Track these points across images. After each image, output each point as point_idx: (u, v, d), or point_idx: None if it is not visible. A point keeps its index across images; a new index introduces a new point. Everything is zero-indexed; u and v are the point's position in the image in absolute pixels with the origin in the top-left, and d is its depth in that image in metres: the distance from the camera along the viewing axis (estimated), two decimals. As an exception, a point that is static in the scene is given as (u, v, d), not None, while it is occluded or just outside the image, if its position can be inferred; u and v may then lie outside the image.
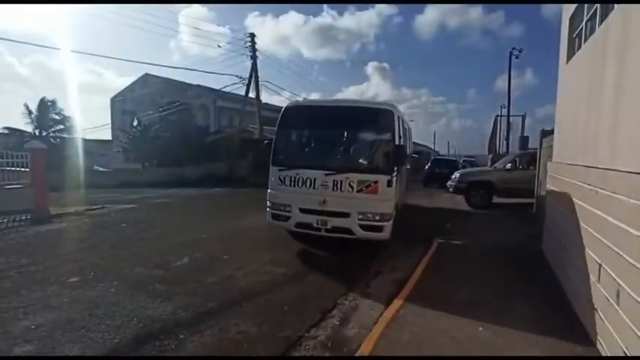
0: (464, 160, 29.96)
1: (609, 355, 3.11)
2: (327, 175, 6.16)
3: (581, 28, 5.38)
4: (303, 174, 6.34)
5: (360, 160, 6.44)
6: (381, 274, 5.71)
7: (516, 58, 26.80)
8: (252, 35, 23.04)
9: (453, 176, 13.38)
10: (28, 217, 9.44)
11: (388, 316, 4.00)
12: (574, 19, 5.82)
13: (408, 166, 10.89)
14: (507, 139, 27.17)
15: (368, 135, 6.61)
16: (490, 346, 3.42)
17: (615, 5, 3.77)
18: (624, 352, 2.80)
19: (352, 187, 6.04)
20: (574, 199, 4.68)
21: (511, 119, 27.66)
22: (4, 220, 8.98)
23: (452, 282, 5.15)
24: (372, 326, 3.82)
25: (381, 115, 6.43)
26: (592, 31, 4.75)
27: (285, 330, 3.79)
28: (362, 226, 6.00)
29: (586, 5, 5.17)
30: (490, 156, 23.02)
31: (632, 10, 3.27)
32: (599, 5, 4.53)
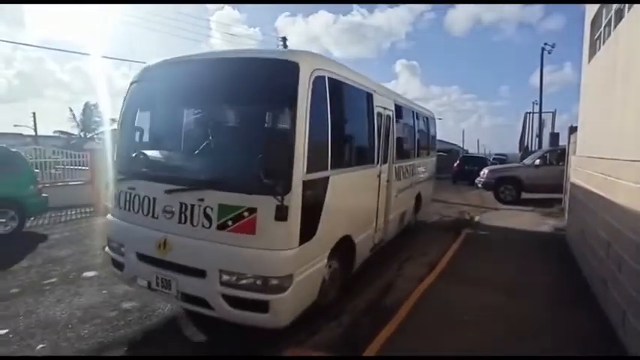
0: (494, 159, 29.34)
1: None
2: (169, 193, 3.25)
3: (600, 32, 5.79)
4: (140, 189, 3.51)
5: (229, 166, 3.30)
6: (411, 259, 5.97)
7: (549, 53, 25.64)
8: (284, 39, 23.80)
9: (482, 172, 13.54)
10: (91, 210, 10.36)
11: (421, 289, 4.53)
12: (595, 22, 6.19)
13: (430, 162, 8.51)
14: (539, 136, 26.62)
15: (251, 115, 3.57)
16: (502, 310, 4.02)
17: (625, 13, 4.22)
18: (623, 315, 3.24)
19: (210, 219, 3.09)
20: (589, 187, 5.10)
21: (543, 116, 27.14)
22: (73, 212, 10.01)
23: (477, 264, 5.68)
24: (407, 298, 4.30)
25: (275, 76, 3.18)
26: (609, 35, 5.14)
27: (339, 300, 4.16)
28: (227, 298, 3.05)
29: (604, 10, 5.57)
30: (520, 153, 23.11)
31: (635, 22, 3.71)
32: (613, 12, 4.96)
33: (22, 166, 7.60)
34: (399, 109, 6.03)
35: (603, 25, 5.61)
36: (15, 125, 37.24)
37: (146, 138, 3.81)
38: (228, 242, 3.04)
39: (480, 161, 20.75)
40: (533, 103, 28.88)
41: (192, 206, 3.17)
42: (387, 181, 5.51)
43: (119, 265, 3.71)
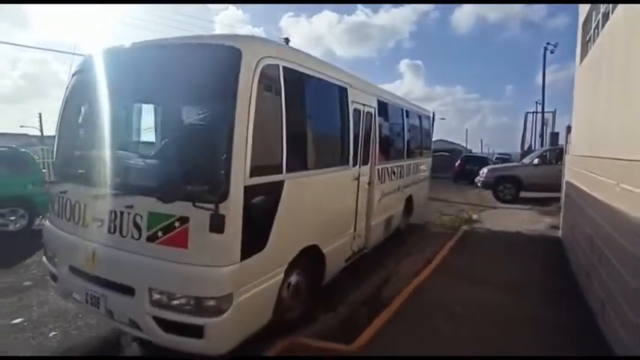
0: (496, 158, 29.13)
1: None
2: (97, 199, 2.86)
3: (590, 34, 6.00)
4: (71, 194, 3.11)
5: (159, 168, 2.95)
6: (411, 255, 6.14)
7: (551, 53, 25.83)
8: (287, 40, 23.58)
9: (481, 172, 13.53)
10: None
11: (415, 284, 4.61)
12: (585, 24, 6.35)
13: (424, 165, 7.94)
14: (542, 135, 26.29)
15: (185, 110, 3.12)
16: (488, 300, 4.21)
17: (608, 21, 4.38)
18: (602, 303, 3.42)
19: (139, 229, 2.67)
20: (578, 185, 5.32)
21: (546, 115, 27.00)
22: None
23: (472, 259, 5.86)
24: (401, 290, 4.38)
25: (213, 64, 2.72)
26: (597, 36, 5.26)
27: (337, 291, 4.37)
28: (158, 320, 2.61)
29: (593, 14, 5.73)
30: (521, 153, 23.20)
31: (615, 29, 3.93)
32: (601, 15, 5.11)
33: (30, 166, 7.76)
34: (383, 107, 5.49)
35: (593, 28, 5.82)
36: (21, 126, 37.36)
37: (82, 136, 3.31)
38: (158, 256, 2.58)
39: (481, 161, 20.67)
40: (537, 102, 28.76)
41: (122, 214, 2.72)
42: (369, 184, 5.04)
43: (54, 277, 3.28)
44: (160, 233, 2.58)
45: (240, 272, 2.60)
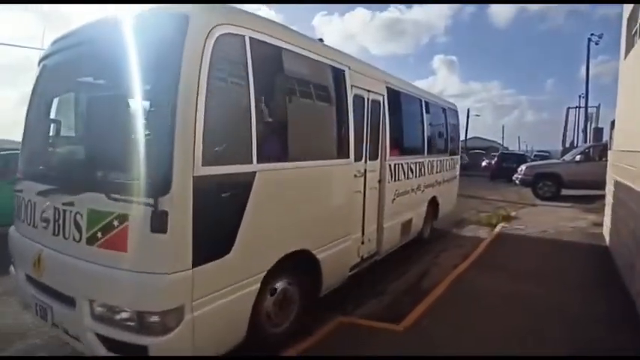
0: (535, 155, 27.63)
1: None
2: (40, 195, 2.51)
3: (636, 28, 5.84)
4: (25, 191, 2.77)
5: (98, 157, 2.44)
6: (448, 250, 6.18)
7: (596, 44, 24.30)
8: (321, 40, 23.46)
9: (520, 169, 13.05)
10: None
11: (454, 275, 4.75)
12: (631, 20, 6.30)
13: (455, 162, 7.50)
14: (585, 131, 24.29)
15: (127, 89, 2.33)
16: (527, 293, 4.18)
17: None
18: None
19: (80, 230, 2.26)
20: (621, 180, 5.33)
21: (590, 110, 24.99)
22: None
23: (510, 253, 5.88)
24: (442, 281, 4.54)
25: (155, 34, 2.26)
26: None
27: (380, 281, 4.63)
28: (101, 338, 2.16)
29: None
30: (562, 149, 22.00)
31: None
32: None
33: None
34: (395, 96, 4.84)
35: (639, 23, 5.69)
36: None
37: (41, 127, 2.88)
38: (98, 262, 2.14)
39: (519, 158, 19.76)
40: (580, 96, 26.80)
41: (64, 212, 2.32)
42: (379, 181, 4.46)
43: (15, 284, 2.90)
44: (99, 234, 2.13)
45: (194, 281, 2.09)
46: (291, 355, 2.94)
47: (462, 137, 38.03)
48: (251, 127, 2.41)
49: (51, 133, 2.73)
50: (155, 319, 2.03)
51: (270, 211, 2.63)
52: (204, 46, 2.13)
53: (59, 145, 2.67)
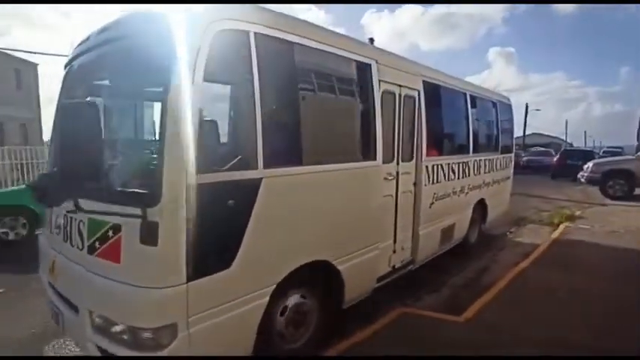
0: (604, 152, 25.10)
1: None
2: (54, 202, 2.36)
3: None
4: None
5: (97, 164, 1.89)
6: (506, 248, 6.09)
7: None
8: (372, 40, 23.16)
9: (586, 166, 11.96)
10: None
11: (515, 271, 4.73)
12: None
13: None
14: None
15: (122, 92, 2.56)
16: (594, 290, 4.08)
17: None
18: None
19: (82, 239, 2.20)
20: None
21: None
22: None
23: (575, 252, 5.63)
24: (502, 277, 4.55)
25: (147, 35, 2.11)
26: None
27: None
28: (100, 350, 2.09)
29: None
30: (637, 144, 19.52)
31: None
32: None
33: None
34: (433, 90, 4.39)
35: None
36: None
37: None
38: (97, 272, 2.06)
39: (585, 155, 18.01)
40: None
41: (71, 220, 2.28)
42: (414, 184, 4.07)
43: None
44: (97, 244, 2.06)
45: (189, 296, 1.94)
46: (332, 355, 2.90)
47: (520, 134, 35.21)
48: (256, 129, 2.20)
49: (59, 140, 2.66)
50: (148, 334, 1.91)
51: (281, 220, 2.42)
52: (200, 45, 1.94)
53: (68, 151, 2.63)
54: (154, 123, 1.95)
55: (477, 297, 3.91)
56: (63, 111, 1.58)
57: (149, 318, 1.90)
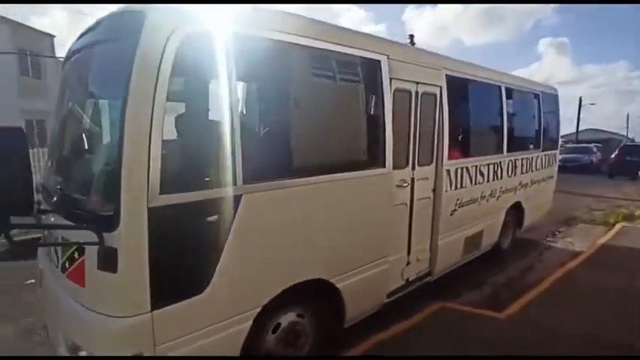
0: None
1: None
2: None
3: None
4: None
5: (65, 177, 2.26)
6: (552, 247, 5.95)
7: None
8: (412, 36, 22.32)
9: None
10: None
11: (562, 271, 4.64)
12: None
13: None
14: None
15: (90, 102, 2.21)
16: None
17: None
18: None
19: (57, 255, 2.07)
20: None
21: None
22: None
23: (630, 253, 5.36)
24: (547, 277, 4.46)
25: (114, 38, 1.96)
26: None
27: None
28: None
29: None
30: None
31: None
32: None
33: None
34: (459, 85, 3.92)
35: None
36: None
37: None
38: (68, 292, 1.94)
39: None
40: None
41: (50, 234, 2.22)
42: (433, 190, 3.70)
43: None
44: (67, 264, 1.93)
45: (155, 325, 1.79)
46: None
47: (573, 130, 32.30)
48: (234, 141, 1.99)
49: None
50: None
51: (265, 239, 2.20)
52: (165, 48, 1.73)
53: (52, 158, 2.57)
54: (107, 138, 1.77)
55: (518, 296, 3.89)
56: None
57: (112, 348, 1.77)
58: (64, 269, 2.00)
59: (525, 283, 4.38)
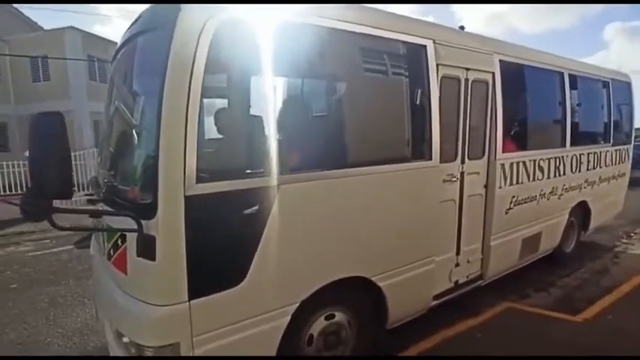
0: None
1: None
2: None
3: None
4: None
5: (117, 173, 2.24)
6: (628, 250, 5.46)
7: None
8: (462, 28, 21.46)
9: None
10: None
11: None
12: None
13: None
14: None
15: (131, 97, 2.24)
16: None
17: None
18: None
19: (104, 243, 2.18)
20: None
21: None
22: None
23: None
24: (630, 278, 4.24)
25: (150, 34, 1.97)
26: None
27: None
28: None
29: None
30: None
31: None
32: None
33: None
34: (514, 71, 3.60)
35: None
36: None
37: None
38: (113, 279, 2.01)
39: None
40: None
41: (99, 221, 2.27)
42: (485, 186, 3.43)
43: None
44: (112, 251, 1.99)
45: (192, 315, 1.78)
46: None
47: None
48: (271, 130, 1.94)
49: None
50: (150, 353, 1.79)
51: (303, 232, 2.13)
52: (200, 36, 1.71)
53: (101, 153, 2.69)
54: (144, 129, 1.79)
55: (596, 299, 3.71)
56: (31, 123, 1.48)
57: (149, 336, 1.79)
58: (109, 256, 2.06)
59: (600, 287, 4.08)
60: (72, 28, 16.29)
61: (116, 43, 2.42)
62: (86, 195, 2.56)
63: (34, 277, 4.84)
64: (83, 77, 16.62)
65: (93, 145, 12.51)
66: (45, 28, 19.11)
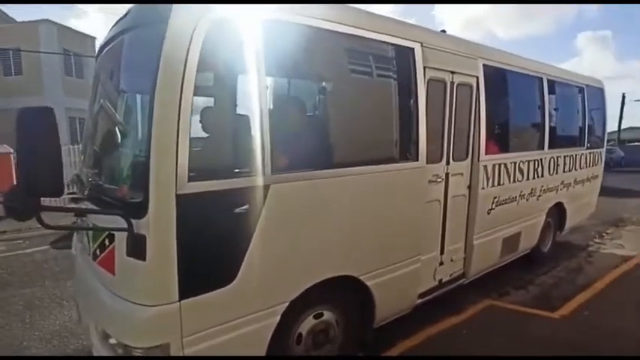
0: None
1: None
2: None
3: None
4: None
5: (104, 171, 2.19)
6: (601, 250, 5.67)
7: None
8: (444, 32, 21.74)
9: None
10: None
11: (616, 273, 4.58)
12: None
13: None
14: None
15: (118, 93, 2.19)
16: None
17: None
18: None
19: (89, 242, 2.12)
20: None
21: None
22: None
23: None
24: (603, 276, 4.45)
25: (140, 33, 1.95)
26: None
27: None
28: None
29: None
30: None
31: None
32: None
33: None
34: (496, 75, 3.71)
35: None
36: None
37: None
38: (98, 279, 1.97)
39: None
40: None
41: (82, 219, 2.20)
42: (468, 187, 3.53)
43: None
44: (98, 251, 1.95)
45: (183, 316, 1.76)
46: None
47: (615, 128, 30.43)
48: (262, 130, 1.94)
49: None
50: (139, 354, 1.76)
51: (294, 231, 2.14)
52: (193, 32, 1.69)
53: (85, 150, 2.62)
54: (136, 126, 1.76)
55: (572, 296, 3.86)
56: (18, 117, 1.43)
57: (139, 336, 1.76)
58: (95, 256, 2.01)
59: (576, 285, 4.26)
60: (47, 20, 15.72)
61: (94, 38, 2.36)
62: (69, 193, 2.48)
63: (7, 279, 4.66)
64: (58, 72, 16.07)
65: (69, 143, 12.12)
66: (17, 20, 18.38)
